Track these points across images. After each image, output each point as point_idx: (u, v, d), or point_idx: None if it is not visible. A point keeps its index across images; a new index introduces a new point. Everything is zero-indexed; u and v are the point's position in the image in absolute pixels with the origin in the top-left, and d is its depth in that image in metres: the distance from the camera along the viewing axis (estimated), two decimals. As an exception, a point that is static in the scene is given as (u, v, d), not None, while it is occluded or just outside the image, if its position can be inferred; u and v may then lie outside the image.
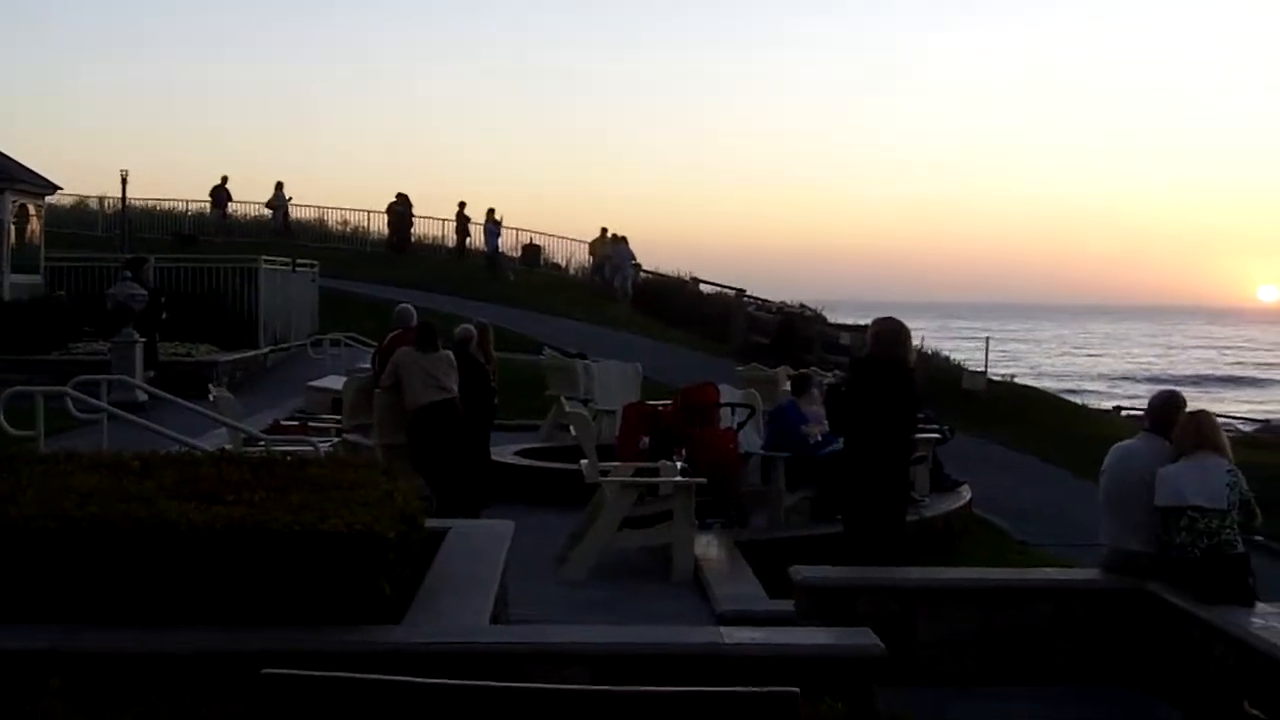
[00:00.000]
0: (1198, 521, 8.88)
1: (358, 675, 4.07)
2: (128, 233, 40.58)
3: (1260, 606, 8.64)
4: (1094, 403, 50.67)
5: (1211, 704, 7.87)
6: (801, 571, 9.45)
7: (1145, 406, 10.96)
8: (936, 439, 17.31)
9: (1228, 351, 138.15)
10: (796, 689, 3.95)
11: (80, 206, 51.32)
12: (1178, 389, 11.27)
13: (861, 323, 42.71)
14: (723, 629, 8.11)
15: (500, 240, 47.84)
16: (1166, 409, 9.82)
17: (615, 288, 45.68)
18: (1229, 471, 9.05)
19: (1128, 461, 9.61)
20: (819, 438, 14.52)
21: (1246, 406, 70.27)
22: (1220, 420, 10.58)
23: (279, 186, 49.53)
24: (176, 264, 29.87)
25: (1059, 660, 9.24)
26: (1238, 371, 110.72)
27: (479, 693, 4.01)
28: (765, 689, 3.99)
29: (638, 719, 3.97)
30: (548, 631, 7.97)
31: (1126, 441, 9.99)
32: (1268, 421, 48.23)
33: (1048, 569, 11.81)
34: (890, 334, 10.91)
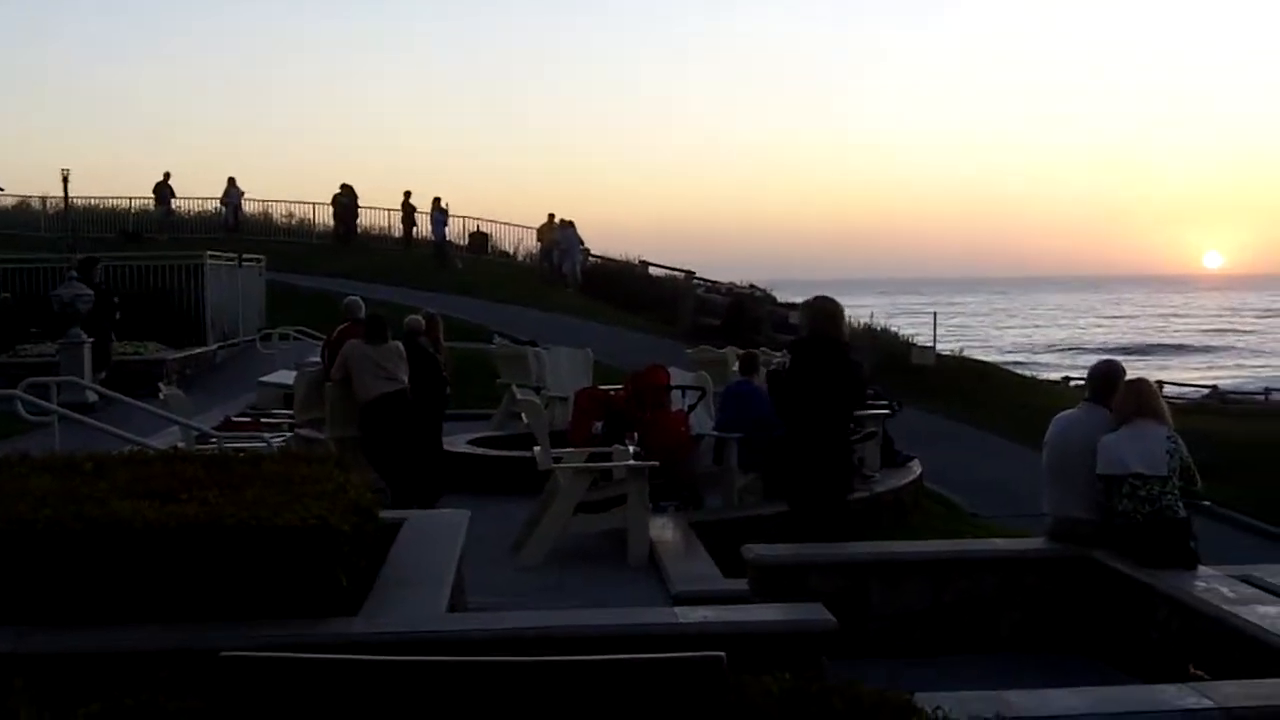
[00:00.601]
0: (1139, 488, 9.01)
1: (312, 655, 4.17)
2: (71, 232, 40.33)
3: (1202, 570, 8.76)
4: (1043, 374, 51.10)
5: (1157, 667, 7.99)
6: (754, 550, 9.54)
7: (1085, 376, 11.11)
8: (886, 414, 17.45)
9: (1175, 319, 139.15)
10: (721, 654, 4.05)
11: (22, 207, 51.07)
12: (1117, 358, 11.42)
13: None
14: (677, 609, 8.20)
15: (447, 229, 47.76)
16: (1107, 379, 9.93)
17: (564, 273, 45.59)
18: (1169, 438, 9.17)
19: (1069, 431, 9.74)
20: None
21: (1195, 374, 71.00)
22: (1168, 388, 10.75)
23: (231, 182, 49.22)
24: (123, 262, 29.70)
25: (1008, 629, 9.37)
26: (1185, 339, 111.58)
27: (422, 668, 4.12)
28: (691, 654, 4.09)
29: (569, 687, 4.08)
30: (504, 618, 8.03)
31: (1068, 411, 10.10)
32: (1214, 387, 48.72)
33: (995, 539, 11.95)
34: (825, 313, 11.00)
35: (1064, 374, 50.98)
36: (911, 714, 4.08)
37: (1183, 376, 62.90)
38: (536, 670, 4.08)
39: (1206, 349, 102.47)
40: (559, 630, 7.13)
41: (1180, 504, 9.05)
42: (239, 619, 6.81)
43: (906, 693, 4.28)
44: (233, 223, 48.21)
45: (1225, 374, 75.22)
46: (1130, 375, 10.03)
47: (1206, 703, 5.91)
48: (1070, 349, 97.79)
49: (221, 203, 49.34)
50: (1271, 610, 7.71)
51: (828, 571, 9.29)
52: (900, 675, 4.84)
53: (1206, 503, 20.04)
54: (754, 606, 8.28)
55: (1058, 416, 10.05)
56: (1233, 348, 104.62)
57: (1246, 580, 8.58)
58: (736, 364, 17.14)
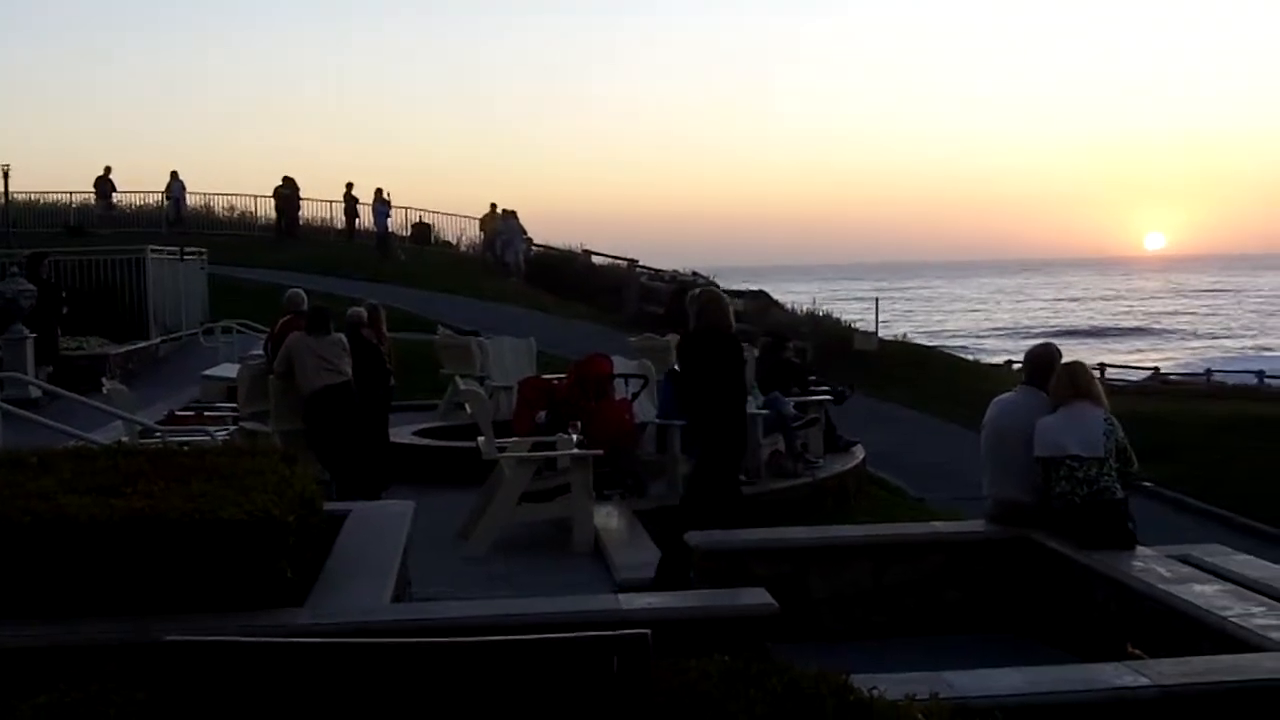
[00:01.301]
0: (1076, 470, 9.12)
1: (252, 640, 4.23)
2: (11, 227, 40.01)
3: (1140, 550, 8.87)
4: (986, 358, 51.41)
5: (1096, 647, 8.10)
6: (695, 537, 9.61)
7: (1022, 360, 11.23)
8: (830, 400, 17.58)
9: (1118, 302, 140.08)
10: (647, 630, 4.12)
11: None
12: (1054, 342, 11.54)
13: (753, 288, 43.17)
14: (620, 596, 8.27)
15: (390, 220, 47.61)
16: (1042, 361, 10.04)
17: (508, 263, 45.54)
18: (1105, 420, 9.27)
19: (1007, 414, 9.83)
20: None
21: (1137, 356, 71.50)
22: (1110, 371, 10.87)
23: (174, 175, 48.83)
24: (65, 257, 29.50)
25: (949, 611, 9.45)
26: (1127, 322, 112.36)
27: (359, 649, 4.19)
28: (618, 631, 4.17)
29: (499, 665, 4.15)
30: (449, 607, 8.09)
31: (1005, 395, 10.20)
32: (1156, 369, 49.11)
33: (935, 522, 12.03)
34: (712, 304, 11.09)
35: (1007, 358, 51.30)
36: (848, 693, 4.15)
37: (1125, 359, 63.45)
38: (467, 650, 4.15)
39: (1149, 331, 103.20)
40: (501, 619, 7.17)
41: (1118, 485, 9.15)
42: (185, 612, 6.81)
43: (844, 673, 4.36)
44: (175, 216, 47.83)
45: (1168, 356, 75.87)
46: (1067, 358, 10.15)
47: (1143, 680, 6.03)
48: (1011, 332, 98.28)
49: (165, 196, 48.87)
50: (1207, 589, 7.83)
51: (770, 557, 9.34)
52: (840, 658, 4.91)
53: (1148, 483, 20.35)
54: (696, 592, 8.35)
55: (995, 399, 10.15)
56: (1176, 330, 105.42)
57: (1184, 560, 8.70)
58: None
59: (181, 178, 49.04)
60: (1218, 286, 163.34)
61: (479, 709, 4.04)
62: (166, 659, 4.12)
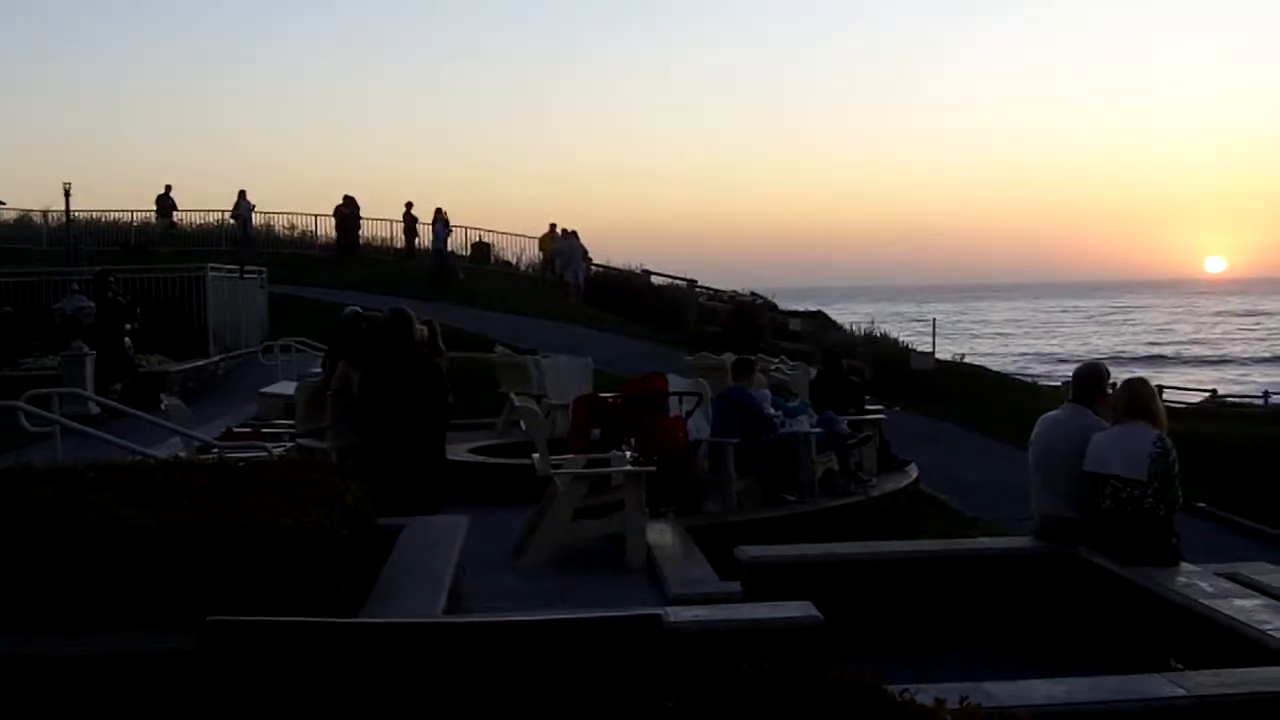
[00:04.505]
0: (1120, 490, 9.14)
1: (293, 619, 4.35)
2: (73, 246, 40.41)
3: (1185, 566, 8.89)
4: (1044, 381, 51.12)
5: (1139, 661, 8.11)
6: (747, 551, 9.67)
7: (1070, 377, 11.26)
8: (881, 418, 17.63)
9: (1176, 326, 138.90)
10: (659, 611, 4.27)
11: (23, 221, 51.09)
12: (1105, 362, 11.53)
13: (812, 309, 43.19)
14: (669, 609, 8.33)
15: (449, 239, 47.72)
16: (1089, 380, 10.11)
17: (568, 283, 45.70)
18: (1154, 442, 9.18)
19: (1053, 432, 9.89)
20: (779, 417, 14.90)
21: (1195, 378, 70.79)
22: (1167, 393, 10.82)
23: (242, 194, 48.84)
24: (125, 275, 29.77)
25: (995, 625, 9.50)
26: (1186, 347, 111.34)
27: (388, 629, 4.31)
28: (631, 612, 4.33)
29: (527, 644, 4.28)
30: (498, 618, 8.15)
31: (1052, 412, 10.24)
32: (1214, 391, 48.73)
33: (982, 539, 12.06)
34: (399, 323, 12.05)
35: (1065, 380, 51.03)
36: (880, 696, 4.23)
37: (1184, 380, 62.94)
38: (498, 630, 4.27)
39: (1207, 359, 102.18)
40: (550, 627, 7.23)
41: (1162, 507, 9.13)
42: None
43: (877, 676, 4.43)
44: (242, 235, 47.98)
45: (1227, 378, 75.19)
46: (1131, 376, 10.17)
47: (1179, 691, 6.07)
48: (1066, 358, 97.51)
49: (232, 216, 49.05)
50: (1248, 603, 7.86)
51: (818, 571, 9.42)
52: (887, 672, 4.97)
53: (1201, 504, 20.22)
54: (743, 605, 8.41)
55: (1043, 417, 10.20)
56: (1234, 355, 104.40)
57: (1230, 577, 8.71)
58: (733, 370, 17.30)
59: (249, 198, 49.07)
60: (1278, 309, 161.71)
61: (514, 684, 4.18)
62: (208, 637, 4.24)
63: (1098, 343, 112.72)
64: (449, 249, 47.64)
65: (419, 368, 14.66)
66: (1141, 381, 10.08)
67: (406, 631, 4.32)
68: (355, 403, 14.00)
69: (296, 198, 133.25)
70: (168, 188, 48.92)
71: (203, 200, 56.82)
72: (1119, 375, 11.12)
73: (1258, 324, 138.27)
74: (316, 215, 51.21)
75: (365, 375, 13.19)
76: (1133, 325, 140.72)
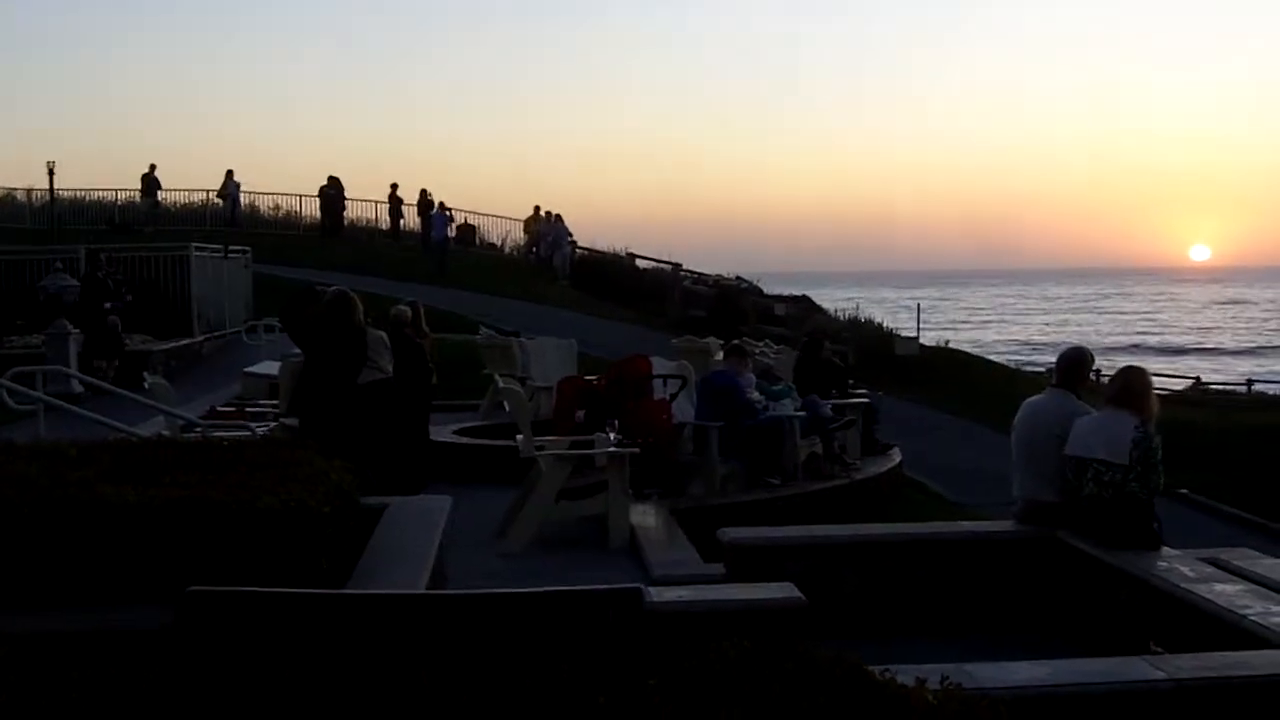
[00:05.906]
0: (1103, 474, 9.15)
1: (271, 590, 4.36)
2: (57, 224, 40.24)
3: (1166, 550, 8.92)
4: (1027, 367, 51.22)
5: (1120, 645, 8.14)
6: (729, 533, 9.68)
7: (1054, 362, 11.29)
8: (865, 403, 17.68)
9: (1162, 314, 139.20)
10: (640, 585, 4.30)
11: (6, 199, 50.85)
12: (1085, 347, 11.54)
13: (795, 293, 43.22)
14: (651, 589, 8.33)
15: (450, 229, 46.68)
16: (1073, 365, 10.16)
17: (555, 266, 45.67)
18: (1137, 428, 9.19)
19: (1037, 416, 9.91)
20: (763, 402, 14.92)
21: (1180, 365, 70.96)
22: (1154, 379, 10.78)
23: (229, 174, 48.94)
24: (112, 253, 29.68)
25: (978, 609, 9.52)
26: (1172, 335, 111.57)
27: (370, 600, 4.32)
28: (613, 585, 4.36)
29: (510, 616, 4.30)
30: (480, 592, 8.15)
31: (1035, 397, 10.27)
32: (1197, 379, 48.92)
33: (964, 522, 12.07)
34: (339, 303, 12.10)
35: (1049, 366, 51.11)
36: (862, 675, 4.24)
37: (1169, 368, 63.04)
38: (479, 602, 4.28)
39: (1191, 348, 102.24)
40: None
41: (1144, 492, 9.14)
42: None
43: (856, 655, 4.44)
44: (230, 216, 48.07)
45: (1210, 366, 75.32)
46: (1127, 364, 10.21)
47: (1160, 674, 6.09)
48: (1051, 344, 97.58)
49: (220, 195, 49.06)
50: (1229, 589, 7.88)
51: (802, 553, 9.43)
52: (868, 654, 4.97)
53: (1183, 490, 20.29)
54: (725, 586, 8.42)
55: (1025, 401, 10.23)
56: (1219, 343, 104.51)
57: (1210, 561, 8.72)
58: (720, 353, 17.33)
59: (235, 178, 49.15)
60: (1263, 297, 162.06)
61: (494, 658, 4.19)
62: (189, 608, 4.25)
63: (1082, 329, 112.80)
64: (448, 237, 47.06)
65: (401, 349, 14.67)
66: (1140, 371, 10.08)
67: (388, 603, 4.34)
68: (295, 384, 14.06)
69: (281, 178, 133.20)
70: (152, 166, 48.62)
71: (187, 180, 56.74)
72: (1102, 363, 11.16)
73: (1241, 312, 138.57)
74: (301, 196, 51.14)
75: (305, 356, 13.17)
76: (1117, 312, 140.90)
